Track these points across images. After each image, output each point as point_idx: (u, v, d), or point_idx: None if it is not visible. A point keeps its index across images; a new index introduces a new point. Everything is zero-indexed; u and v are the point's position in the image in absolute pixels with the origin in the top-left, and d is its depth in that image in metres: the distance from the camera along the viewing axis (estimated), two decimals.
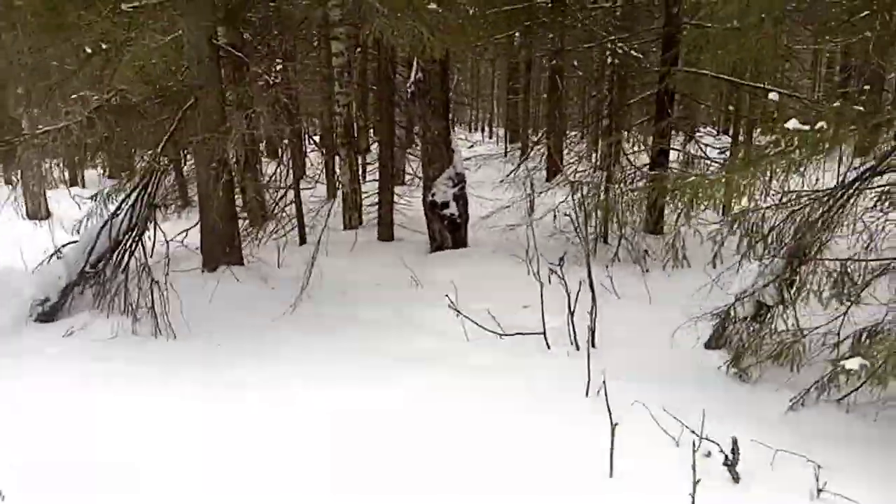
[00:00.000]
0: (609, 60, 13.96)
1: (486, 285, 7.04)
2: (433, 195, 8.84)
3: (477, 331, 5.46)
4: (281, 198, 11.05)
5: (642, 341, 5.19)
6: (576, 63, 16.51)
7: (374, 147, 14.58)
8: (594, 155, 17.30)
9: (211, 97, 7.36)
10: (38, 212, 13.00)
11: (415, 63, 8.61)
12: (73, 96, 6.61)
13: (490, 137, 37.42)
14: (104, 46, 5.49)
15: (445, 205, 8.84)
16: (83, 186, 16.37)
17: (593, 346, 5.00)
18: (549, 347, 5.12)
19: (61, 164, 12.79)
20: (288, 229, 10.21)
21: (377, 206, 10.26)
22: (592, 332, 5.03)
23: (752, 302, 4.59)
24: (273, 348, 5.35)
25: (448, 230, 8.93)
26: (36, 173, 12.59)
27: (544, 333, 5.13)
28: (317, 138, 23.21)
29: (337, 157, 11.30)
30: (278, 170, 10.63)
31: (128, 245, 6.84)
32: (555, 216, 8.40)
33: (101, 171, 16.25)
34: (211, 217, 7.70)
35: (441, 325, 5.75)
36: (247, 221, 9.58)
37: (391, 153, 9.97)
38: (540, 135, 17.69)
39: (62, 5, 5.22)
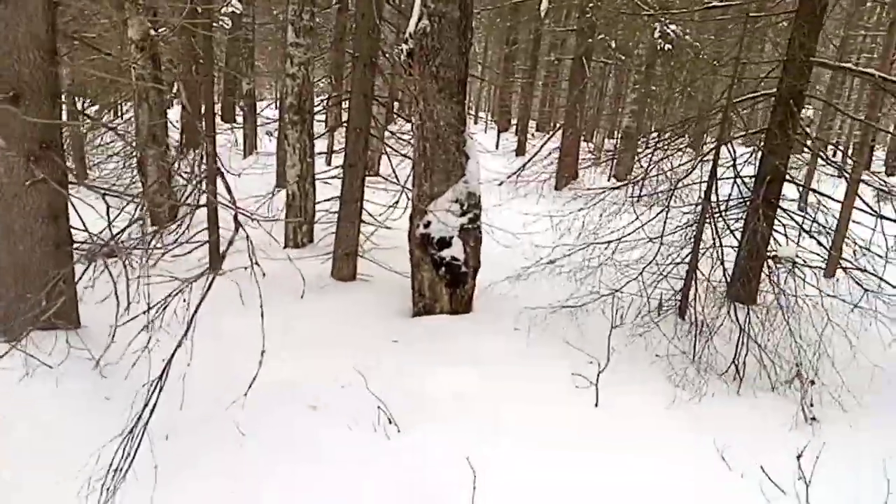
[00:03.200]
0: (661, 45, 10.72)
1: (525, 435, 3.63)
2: (426, 225, 5.37)
3: None
4: (189, 195, 7.42)
5: None
6: (613, 45, 13.02)
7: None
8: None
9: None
10: None
11: (416, 4, 5.07)
12: None
13: (475, 123, 33.78)
14: None
15: (445, 243, 5.37)
16: None
17: None
18: None
19: None
20: (192, 247, 6.62)
21: (336, 222, 6.72)
22: None
23: None
24: None
25: (445, 283, 5.47)
26: None
27: None
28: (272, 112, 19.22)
29: (285, 140, 7.67)
30: (185, 152, 7.03)
31: None
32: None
33: None
34: (8, 242, 4.11)
35: None
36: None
37: (364, 145, 6.42)
38: (559, 128, 14.14)
39: None
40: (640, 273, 4.94)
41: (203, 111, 9.40)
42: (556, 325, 4.80)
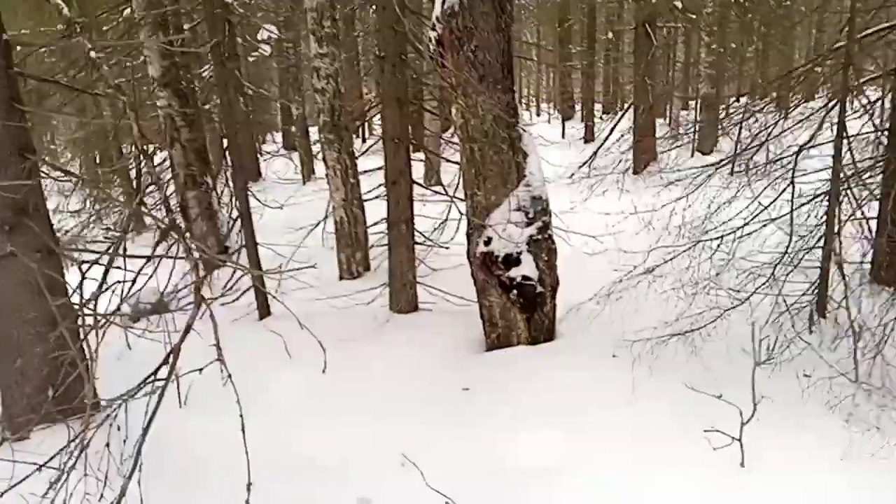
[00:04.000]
0: None
1: None
2: (487, 242, 4.44)
3: None
4: (230, 230, 6.81)
5: None
6: (679, 5, 11.59)
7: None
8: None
9: None
10: None
11: None
12: None
13: (538, 115, 32.28)
14: None
15: (513, 261, 4.42)
16: None
17: None
18: None
19: None
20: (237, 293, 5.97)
21: (387, 247, 5.92)
22: None
23: None
24: None
25: (519, 308, 4.51)
26: None
27: None
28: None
29: (323, 161, 6.94)
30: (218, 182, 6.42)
31: None
32: None
33: None
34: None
35: None
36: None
37: (407, 157, 5.59)
38: (629, 106, 12.82)
39: None
40: (774, 270, 3.77)
41: (227, 147, 8.81)
42: (667, 357, 3.72)
